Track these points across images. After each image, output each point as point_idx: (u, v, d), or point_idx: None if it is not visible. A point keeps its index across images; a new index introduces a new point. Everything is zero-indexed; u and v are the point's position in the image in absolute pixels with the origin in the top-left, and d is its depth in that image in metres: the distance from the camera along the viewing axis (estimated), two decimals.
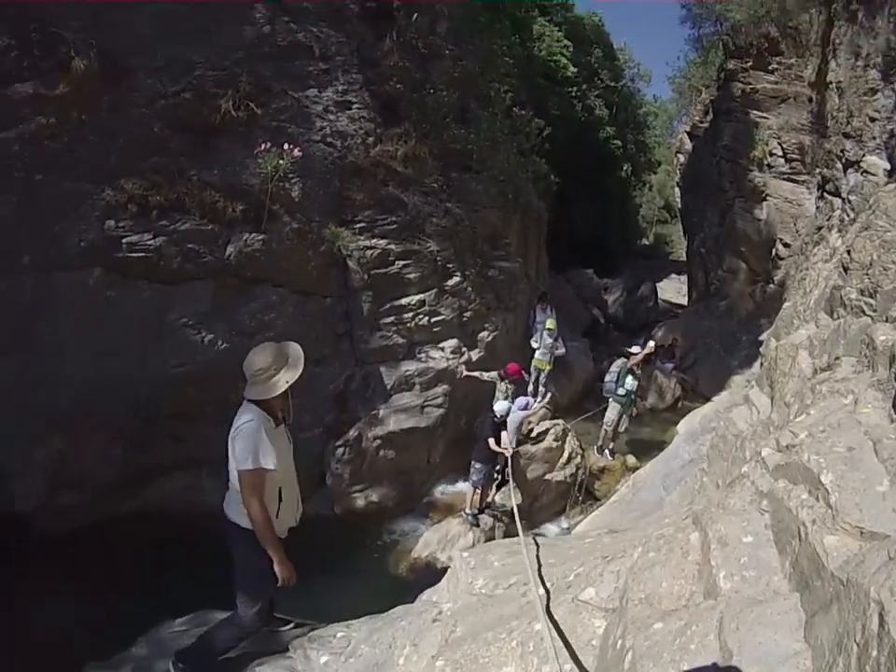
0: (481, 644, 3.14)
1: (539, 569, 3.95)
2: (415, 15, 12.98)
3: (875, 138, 12.42)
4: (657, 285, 32.82)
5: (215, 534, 8.20)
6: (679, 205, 35.25)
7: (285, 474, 4.28)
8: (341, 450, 10.39)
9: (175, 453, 9.53)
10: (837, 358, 6.09)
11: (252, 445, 3.96)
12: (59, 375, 8.43)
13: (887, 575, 2.01)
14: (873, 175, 12.15)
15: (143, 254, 8.89)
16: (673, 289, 36.20)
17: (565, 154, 23.79)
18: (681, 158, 33.70)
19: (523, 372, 12.48)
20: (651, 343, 13.04)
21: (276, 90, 10.42)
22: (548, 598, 3.45)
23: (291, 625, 5.08)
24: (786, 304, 12.54)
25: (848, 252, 7.80)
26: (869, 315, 6.45)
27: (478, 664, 3.02)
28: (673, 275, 39.02)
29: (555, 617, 3.09)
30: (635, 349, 12.93)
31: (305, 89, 10.90)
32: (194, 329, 9.30)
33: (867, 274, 6.93)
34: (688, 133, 31.69)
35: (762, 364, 10.98)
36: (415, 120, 12.32)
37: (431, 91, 12.89)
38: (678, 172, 35.91)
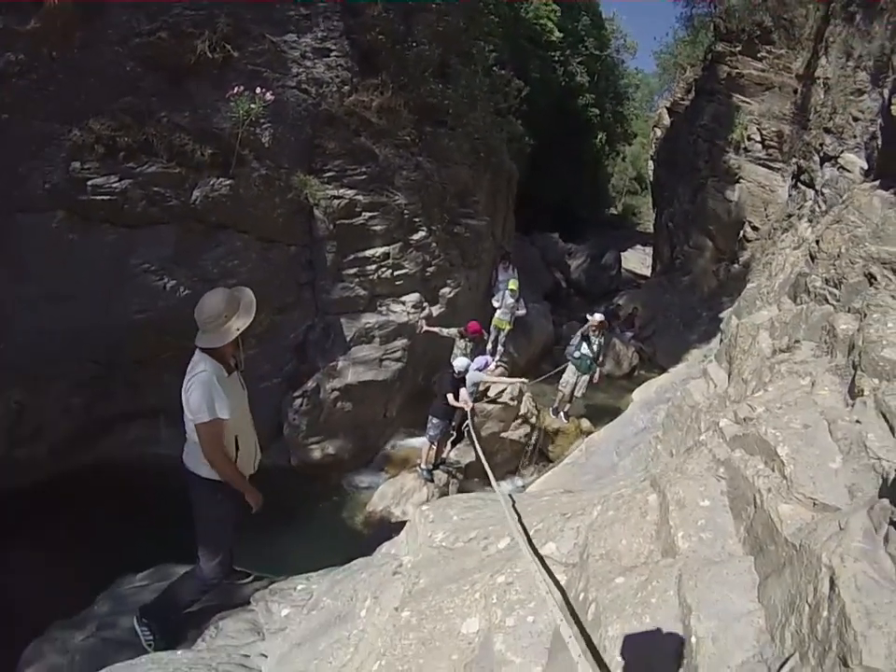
0: (444, 596, 3.22)
1: (519, 520, 4.01)
2: None
3: (855, 137, 12.53)
4: (622, 254, 32.85)
5: (172, 486, 8.21)
6: (651, 178, 35.37)
7: (240, 422, 4.27)
8: (299, 401, 10.38)
9: (133, 401, 9.50)
10: (797, 342, 6.32)
11: (207, 396, 3.94)
12: (19, 322, 8.29)
13: (838, 543, 2.17)
14: (849, 171, 12.31)
15: (107, 197, 8.69)
16: (637, 260, 36.45)
17: (542, 118, 23.75)
18: (658, 132, 33.75)
19: (483, 331, 12.49)
20: (598, 317, 13.10)
21: (255, 33, 10.17)
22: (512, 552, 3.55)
23: (251, 578, 5.13)
24: (750, 285, 12.78)
25: (817, 242, 8.02)
26: (832, 304, 6.74)
27: (442, 615, 3.11)
28: (638, 246, 39.18)
29: (517, 570, 3.16)
30: (596, 317, 13.04)
31: (284, 33, 10.67)
32: (157, 274, 9.16)
33: (833, 265, 7.18)
34: (668, 109, 31.69)
35: (721, 340, 11.21)
36: (394, 72, 12.14)
37: (413, 44, 12.70)
38: (653, 145, 35.96)
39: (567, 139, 30.40)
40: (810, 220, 12.99)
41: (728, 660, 2.06)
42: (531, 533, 3.53)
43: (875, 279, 6.47)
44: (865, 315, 5.31)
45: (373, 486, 10.56)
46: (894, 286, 6.23)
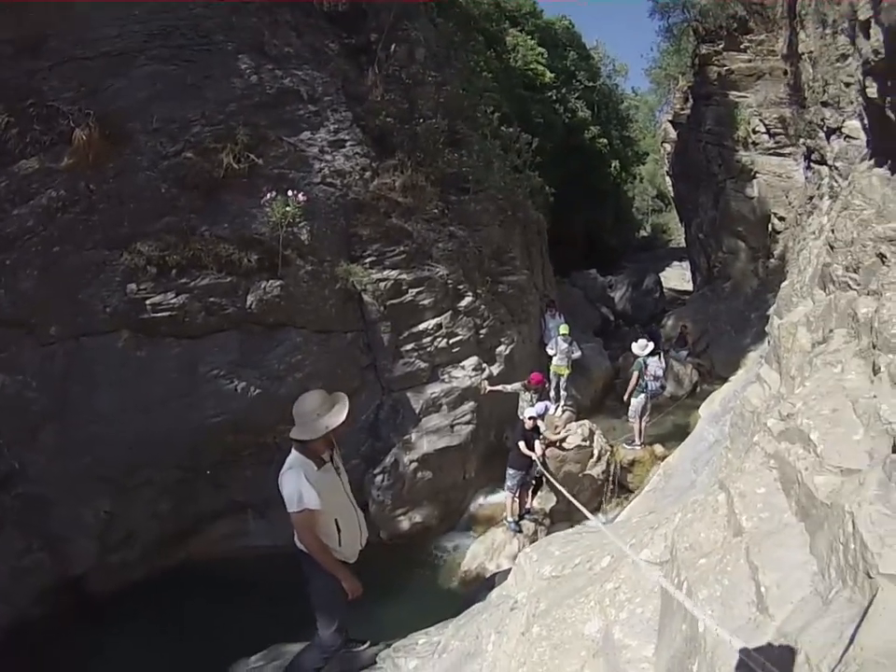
0: (565, 609, 3.74)
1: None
2: (393, 46, 13.34)
3: (852, 102, 12.43)
4: (661, 274, 32.88)
5: (265, 574, 8.57)
6: (672, 193, 35.44)
7: (337, 507, 4.60)
8: (379, 477, 10.63)
9: (218, 500, 9.89)
10: (831, 331, 6.62)
11: (295, 489, 4.33)
12: (100, 437, 8.84)
13: (857, 494, 2.74)
14: (855, 138, 12.16)
15: (168, 313, 9.29)
16: (677, 276, 36.05)
17: (553, 159, 24.06)
18: (668, 147, 33.90)
19: (545, 380, 12.61)
20: (641, 342, 13.24)
21: (272, 137, 10.76)
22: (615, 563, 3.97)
23: (367, 644, 5.38)
24: (784, 284, 12.81)
25: (832, 231, 8.21)
26: (854, 290, 6.96)
27: (567, 623, 3.63)
28: (675, 263, 38.71)
29: (621, 577, 3.59)
30: (639, 343, 13.16)
31: (299, 133, 11.24)
32: (227, 378, 9.63)
33: (850, 251, 7.46)
34: (671, 122, 31.85)
35: (769, 342, 11.28)
36: (408, 150, 12.60)
37: (420, 119, 13.16)
38: (666, 161, 36.11)
39: (583, 174, 30.65)
40: (830, 196, 12.96)
41: (790, 597, 2.58)
42: (627, 548, 3.92)
43: (886, 258, 6.73)
44: (881, 294, 5.64)
45: (464, 547, 10.70)
46: None
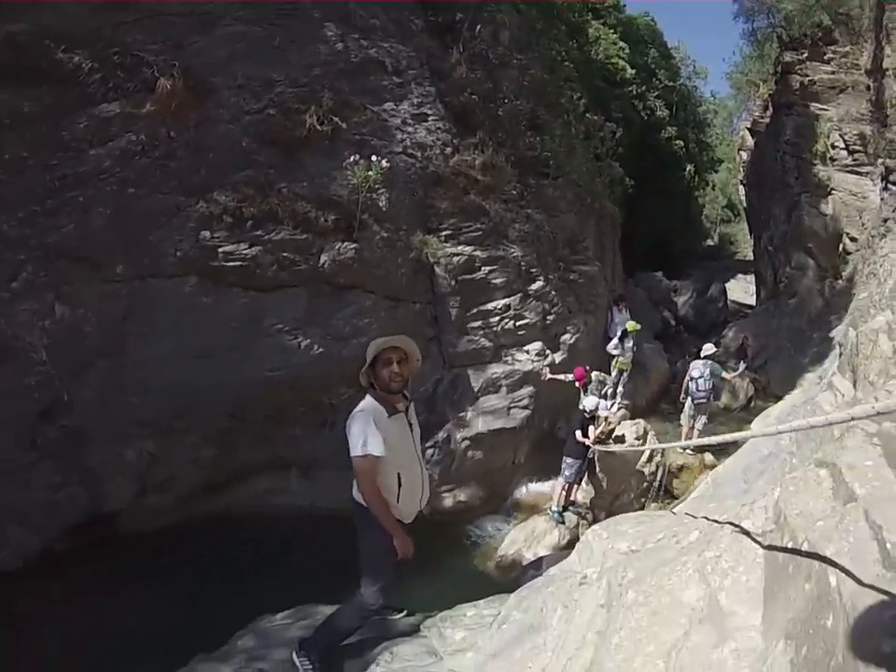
0: (660, 577, 3.58)
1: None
2: (479, 27, 13.33)
3: None
4: (725, 285, 32.39)
5: (304, 534, 8.44)
6: (744, 204, 34.77)
7: (402, 460, 4.39)
8: (430, 451, 10.51)
9: (263, 454, 9.87)
10: None
11: (361, 433, 4.14)
12: (153, 379, 8.81)
13: None
14: None
15: (239, 263, 9.28)
16: (740, 289, 35.36)
17: (629, 156, 23.78)
18: (744, 155, 33.23)
19: (586, 375, 12.23)
20: (708, 346, 13.21)
21: (356, 104, 10.74)
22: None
23: (404, 613, 5.19)
24: (861, 295, 12.55)
25: None
26: None
27: (664, 590, 3.46)
28: (739, 276, 38.09)
29: (721, 545, 3.50)
30: (706, 347, 13.05)
31: (382, 102, 11.23)
32: (290, 334, 9.62)
33: None
34: (749, 130, 31.24)
35: (840, 353, 11.04)
36: (490, 129, 12.59)
37: (504, 100, 13.16)
38: (740, 169, 35.40)
39: (656, 175, 30.20)
40: None
41: None
42: (719, 521, 3.82)
43: None
44: None
45: (503, 532, 10.63)
46: None
